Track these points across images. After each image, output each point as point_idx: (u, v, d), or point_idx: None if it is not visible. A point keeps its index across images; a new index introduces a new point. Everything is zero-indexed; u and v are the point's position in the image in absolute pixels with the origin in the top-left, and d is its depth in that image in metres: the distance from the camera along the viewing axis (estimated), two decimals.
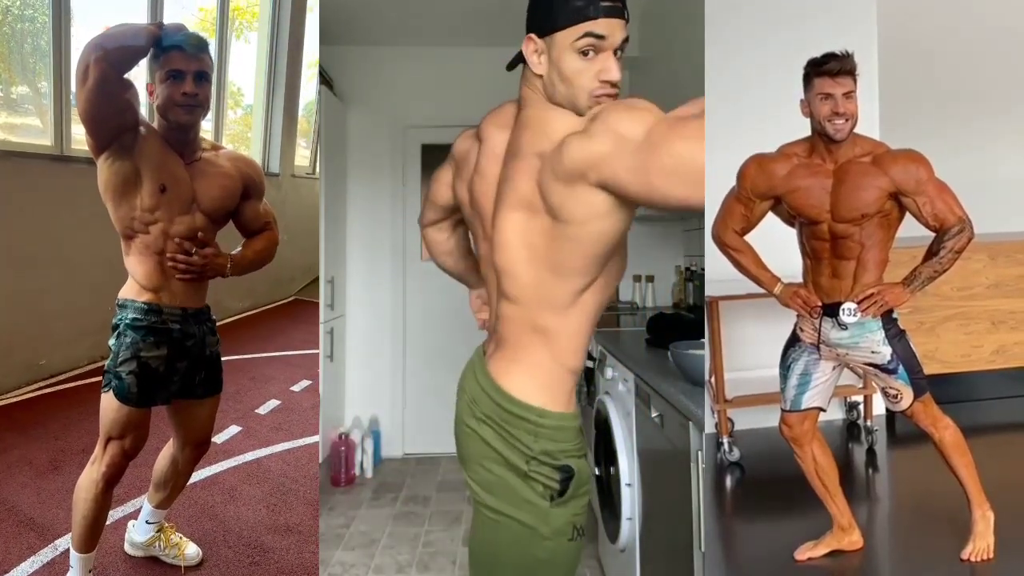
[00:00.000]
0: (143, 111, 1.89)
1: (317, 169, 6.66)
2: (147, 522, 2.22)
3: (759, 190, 1.85)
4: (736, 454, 2.60)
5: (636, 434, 2.33)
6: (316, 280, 4.10)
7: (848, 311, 1.80)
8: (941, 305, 3.12)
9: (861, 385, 2.79)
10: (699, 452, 1.76)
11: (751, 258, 1.89)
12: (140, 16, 4.36)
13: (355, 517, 3.51)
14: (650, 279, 4.15)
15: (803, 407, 1.91)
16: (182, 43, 1.77)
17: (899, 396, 1.85)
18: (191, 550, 2.25)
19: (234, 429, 3.32)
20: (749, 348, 2.80)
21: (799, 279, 1.91)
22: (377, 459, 4.23)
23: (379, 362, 4.44)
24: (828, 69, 1.74)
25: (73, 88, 1.80)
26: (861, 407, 2.92)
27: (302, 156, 7.08)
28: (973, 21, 3.50)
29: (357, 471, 4.04)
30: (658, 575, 2.14)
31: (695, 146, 1.07)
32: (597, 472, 2.67)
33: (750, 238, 1.91)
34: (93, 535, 1.96)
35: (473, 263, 1.72)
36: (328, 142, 4.10)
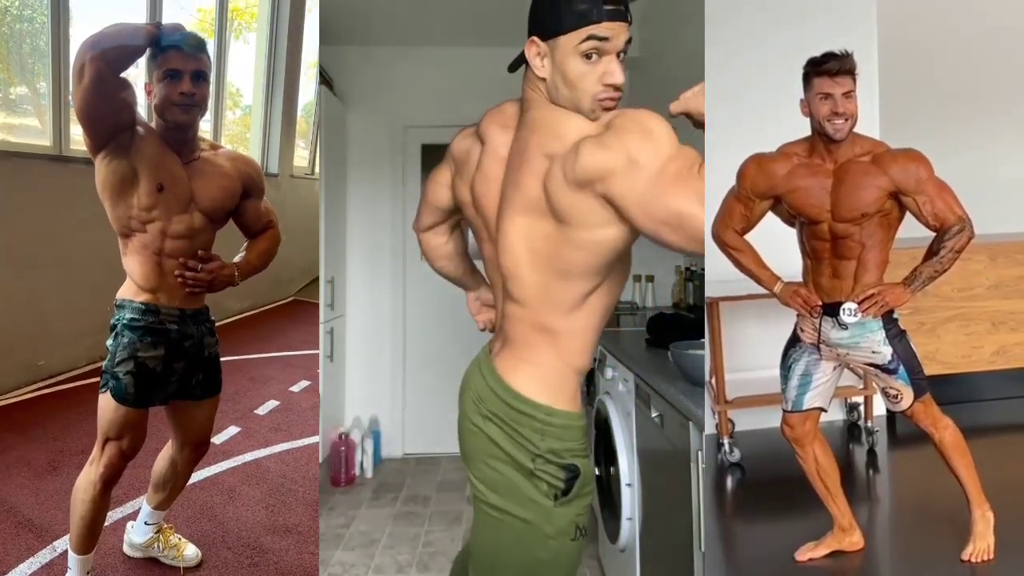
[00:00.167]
0: (142, 111, 1.88)
1: (316, 169, 6.65)
2: (146, 523, 2.21)
3: (759, 189, 1.85)
4: (737, 455, 2.60)
5: (636, 434, 2.33)
6: (316, 280, 4.10)
7: (848, 311, 1.80)
8: (941, 306, 3.11)
9: (862, 386, 2.78)
10: (699, 452, 1.76)
11: (751, 257, 1.89)
12: (139, 17, 4.35)
13: (355, 517, 3.51)
14: (650, 279, 4.14)
15: (804, 407, 1.91)
16: (180, 42, 1.77)
17: (899, 396, 1.85)
18: (190, 551, 2.24)
19: (233, 430, 3.31)
20: (749, 348, 2.79)
21: (799, 279, 1.91)
22: (377, 459, 4.22)
23: (379, 362, 4.43)
24: (827, 69, 1.73)
25: (72, 88, 1.80)
26: (862, 408, 2.91)
27: (301, 157, 7.08)
28: (973, 21, 3.49)
29: (357, 471, 4.03)
30: (658, 575, 2.14)
31: (696, 208, 1.11)
32: (597, 472, 2.67)
33: (750, 238, 1.91)
34: (91, 536, 1.95)
35: (469, 265, 1.71)
36: (328, 142, 4.09)
